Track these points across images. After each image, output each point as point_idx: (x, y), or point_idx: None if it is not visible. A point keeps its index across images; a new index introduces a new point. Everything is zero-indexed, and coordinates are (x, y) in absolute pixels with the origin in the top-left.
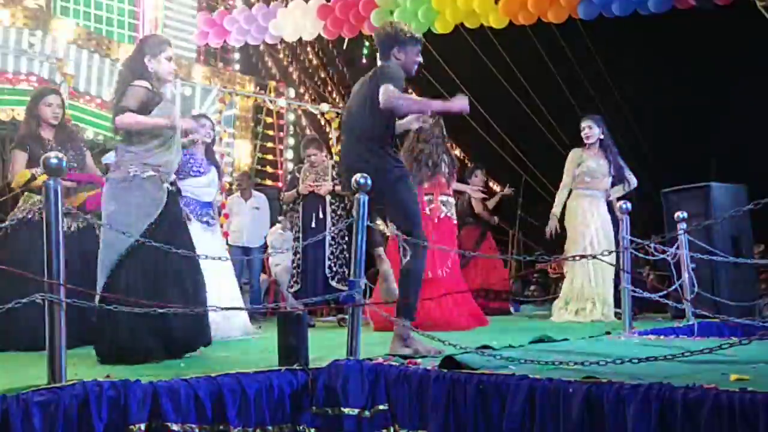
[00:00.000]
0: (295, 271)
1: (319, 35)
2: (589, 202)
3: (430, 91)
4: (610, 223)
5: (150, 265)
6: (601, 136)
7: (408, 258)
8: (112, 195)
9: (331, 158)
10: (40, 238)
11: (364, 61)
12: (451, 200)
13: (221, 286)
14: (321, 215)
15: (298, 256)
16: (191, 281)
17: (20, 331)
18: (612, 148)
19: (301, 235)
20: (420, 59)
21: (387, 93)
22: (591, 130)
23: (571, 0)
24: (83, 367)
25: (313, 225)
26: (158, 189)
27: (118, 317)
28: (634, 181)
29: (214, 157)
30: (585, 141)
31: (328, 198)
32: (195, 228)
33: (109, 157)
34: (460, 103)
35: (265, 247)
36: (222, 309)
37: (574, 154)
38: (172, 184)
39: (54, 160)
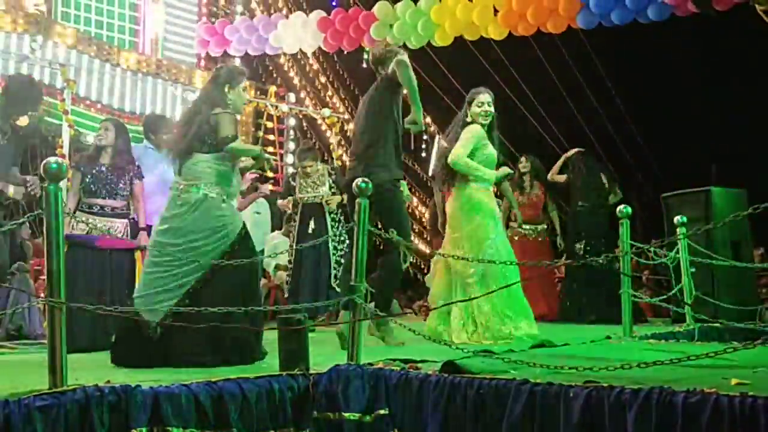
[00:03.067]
0: (287, 277)
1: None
2: (490, 194)
3: (434, 101)
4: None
5: (228, 286)
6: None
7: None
8: (188, 208)
9: (333, 163)
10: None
11: (364, 66)
12: None
13: None
14: (318, 223)
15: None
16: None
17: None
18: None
19: (294, 243)
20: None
21: (401, 64)
22: (490, 107)
23: (570, 10)
24: (84, 372)
25: (310, 231)
26: (232, 211)
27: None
28: None
29: None
30: (482, 120)
31: (326, 207)
32: None
33: None
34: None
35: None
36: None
37: (480, 131)
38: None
39: (54, 166)
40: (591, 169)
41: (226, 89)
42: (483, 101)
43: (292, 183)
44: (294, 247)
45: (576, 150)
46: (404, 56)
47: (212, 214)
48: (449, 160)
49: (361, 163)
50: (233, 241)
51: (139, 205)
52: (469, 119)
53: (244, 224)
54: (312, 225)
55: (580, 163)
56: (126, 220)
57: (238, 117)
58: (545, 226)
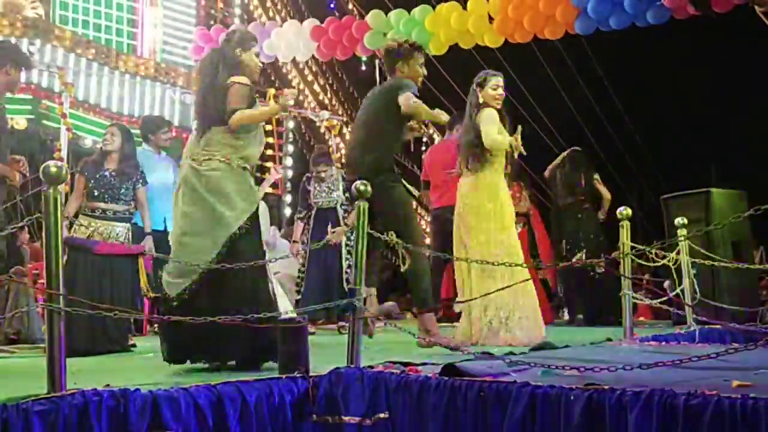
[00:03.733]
0: (298, 279)
1: None
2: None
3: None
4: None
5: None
6: None
7: (409, 261)
8: (208, 180)
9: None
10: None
11: (363, 68)
12: None
13: None
14: (332, 227)
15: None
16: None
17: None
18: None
19: (308, 248)
20: (424, 71)
21: (408, 99)
22: (504, 90)
23: (568, 16)
24: (83, 376)
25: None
26: (251, 182)
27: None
28: None
29: None
30: (495, 104)
31: (340, 210)
32: None
33: None
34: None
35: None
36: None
37: (495, 114)
38: None
39: (53, 169)
40: (575, 168)
41: (238, 51)
42: (498, 84)
43: (307, 187)
44: (307, 253)
45: (572, 148)
46: (409, 92)
47: (233, 181)
48: (488, 144)
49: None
50: (250, 216)
51: (144, 210)
52: (482, 101)
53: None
54: (328, 229)
55: (568, 161)
56: (128, 224)
57: (253, 78)
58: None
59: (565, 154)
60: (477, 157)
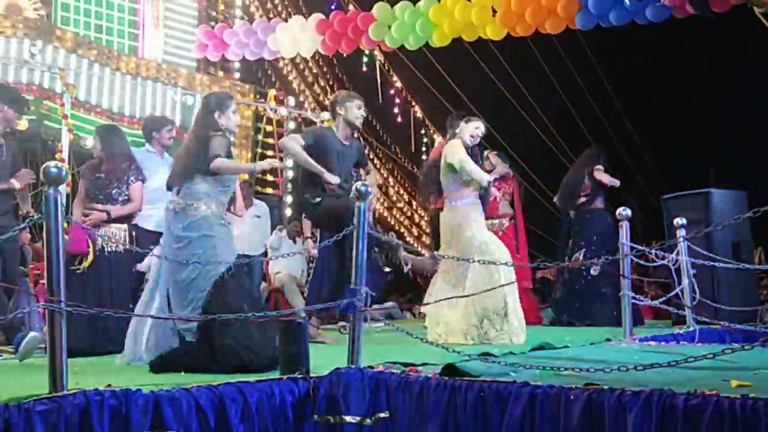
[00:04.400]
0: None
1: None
2: (480, 209)
3: (434, 102)
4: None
5: (235, 300)
6: None
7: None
8: (194, 227)
9: None
10: None
11: (364, 69)
12: None
13: None
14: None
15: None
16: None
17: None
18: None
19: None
20: (359, 112)
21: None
22: (479, 137)
23: (569, 11)
24: (84, 376)
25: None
26: (231, 234)
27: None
28: None
29: None
30: (470, 142)
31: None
32: None
33: None
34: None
35: (265, 255)
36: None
37: (460, 146)
38: None
39: (54, 170)
40: (577, 168)
41: (217, 116)
42: (479, 126)
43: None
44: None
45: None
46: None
47: (213, 233)
48: (455, 164)
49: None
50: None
51: (132, 204)
52: (457, 131)
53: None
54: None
55: (574, 165)
56: (125, 225)
57: (233, 139)
58: (505, 222)
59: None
60: (440, 189)
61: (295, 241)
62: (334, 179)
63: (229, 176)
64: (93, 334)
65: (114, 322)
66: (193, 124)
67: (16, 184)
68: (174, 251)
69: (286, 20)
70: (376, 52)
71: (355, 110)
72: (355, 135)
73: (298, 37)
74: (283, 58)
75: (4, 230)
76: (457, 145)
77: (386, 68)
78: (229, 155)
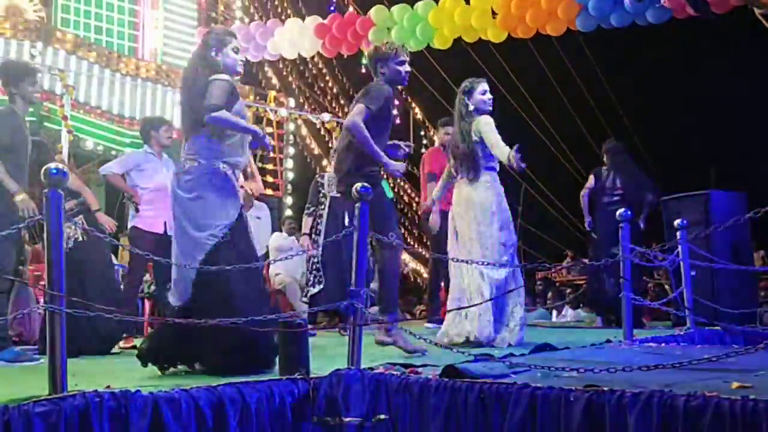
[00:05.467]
0: (315, 273)
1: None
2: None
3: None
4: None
5: (224, 280)
6: None
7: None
8: (189, 187)
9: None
10: None
11: (363, 70)
12: None
13: None
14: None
15: (315, 258)
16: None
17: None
18: None
19: (321, 238)
20: (405, 68)
21: (352, 112)
22: (491, 95)
23: (569, 13)
24: (83, 378)
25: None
26: (236, 187)
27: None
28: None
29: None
30: (486, 107)
31: None
32: None
33: (106, 168)
34: (393, 167)
35: (266, 256)
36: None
37: (491, 121)
38: None
39: (54, 171)
40: (617, 166)
41: (214, 53)
42: (485, 89)
43: (320, 180)
44: (320, 243)
45: (609, 142)
46: (360, 109)
47: (215, 187)
48: (499, 156)
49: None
50: (232, 225)
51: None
52: (471, 108)
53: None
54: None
55: (607, 157)
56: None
57: (237, 78)
58: None
59: (604, 148)
60: (475, 167)
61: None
62: (398, 167)
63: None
64: (82, 334)
65: (102, 321)
66: (191, 62)
67: (18, 197)
68: (176, 217)
69: (284, 22)
70: None
71: (400, 68)
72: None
73: (297, 41)
74: (284, 59)
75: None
76: (490, 124)
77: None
78: (231, 101)
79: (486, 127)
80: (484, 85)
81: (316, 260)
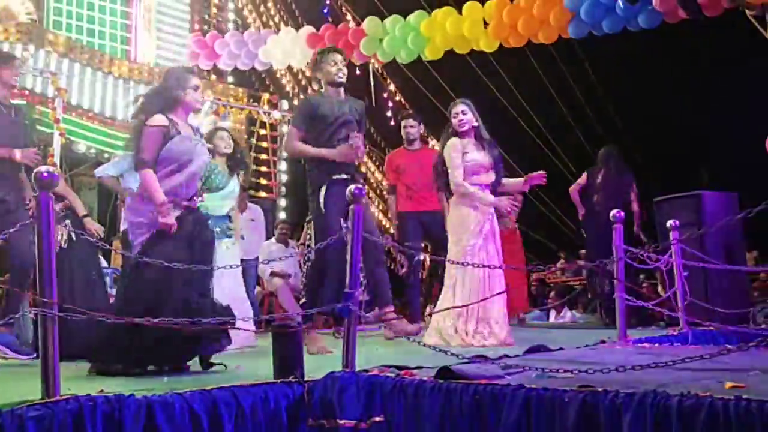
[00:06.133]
0: (304, 280)
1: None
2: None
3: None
4: (496, 227)
5: (150, 280)
6: (475, 123)
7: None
8: (125, 214)
9: None
10: None
11: (357, 72)
12: None
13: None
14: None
15: (310, 263)
16: (197, 299)
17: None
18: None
19: (313, 242)
20: (335, 67)
21: (285, 138)
22: (465, 115)
23: (561, 20)
24: (76, 382)
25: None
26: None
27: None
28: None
29: (236, 166)
30: (458, 128)
31: None
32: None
33: (101, 170)
34: (340, 155)
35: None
36: (213, 324)
37: (453, 143)
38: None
39: (45, 174)
40: (618, 172)
41: (174, 90)
42: (457, 111)
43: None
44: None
45: (607, 148)
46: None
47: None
48: (453, 188)
49: None
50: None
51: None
52: (450, 129)
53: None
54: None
55: (604, 162)
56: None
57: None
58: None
59: (601, 153)
60: (447, 185)
61: (286, 244)
62: (343, 151)
63: (167, 160)
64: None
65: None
66: (144, 99)
67: (17, 153)
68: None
69: (279, 26)
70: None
71: (329, 68)
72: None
73: (289, 50)
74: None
75: (8, 207)
76: (450, 144)
77: (380, 72)
78: (160, 149)
79: (447, 150)
80: (456, 108)
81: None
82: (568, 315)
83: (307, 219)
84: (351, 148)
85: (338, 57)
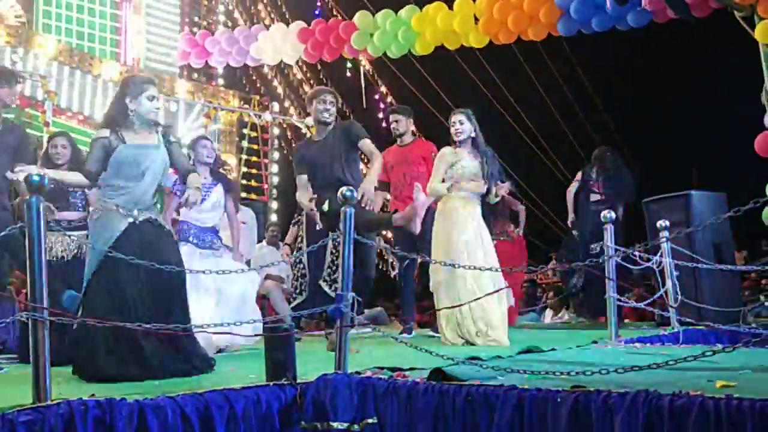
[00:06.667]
0: (299, 281)
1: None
2: (464, 203)
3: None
4: (487, 232)
5: (112, 288)
6: (473, 134)
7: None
8: (88, 228)
9: None
10: None
11: (348, 74)
12: None
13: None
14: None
15: (301, 265)
16: (165, 306)
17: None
18: (487, 151)
19: (304, 245)
20: (322, 106)
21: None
22: (462, 125)
23: (551, 17)
24: (67, 386)
25: (318, 228)
26: (117, 221)
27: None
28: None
29: (219, 175)
30: (455, 138)
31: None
32: (192, 253)
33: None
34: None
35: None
36: (208, 330)
37: (445, 153)
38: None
39: (36, 178)
40: (606, 170)
41: (128, 101)
42: (454, 120)
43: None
44: (305, 249)
45: (600, 149)
46: None
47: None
48: (428, 193)
49: None
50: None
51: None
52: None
53: (130, 232)
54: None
55: (598, 162)
56: (85, 232)
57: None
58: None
59: (594, 154)
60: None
61: (277, 247)
62: (305, 204)
63: (115, 174)
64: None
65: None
66: (107, 109)
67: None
68: None
69: (269, 26)
70: (361, 58)
71: (318, 106)
72: (331, 125)
73: (280, 46)
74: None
75: None
76: (440, 153)
77: (371, 73)
78: (104, 159)
79: (436, 157)
80: (453, 117)
81: (302, 269)
82: (566, 316)
83: (293, 221)
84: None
85: (328, 98)
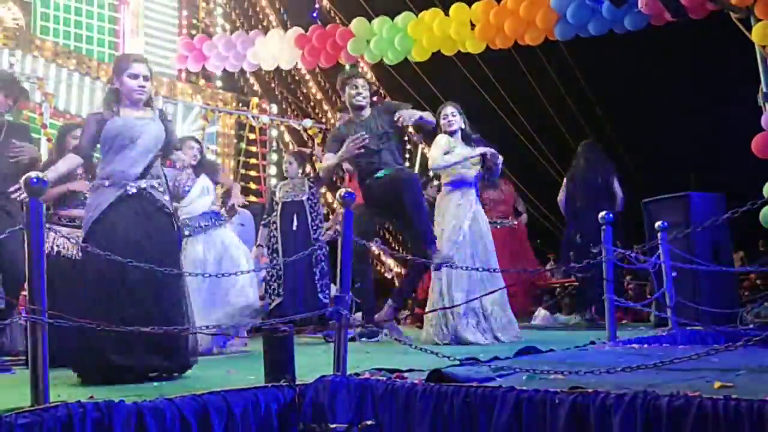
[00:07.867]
0: (275, 283)
1: None
2: (461, 194)
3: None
4: (485, 219)
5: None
6: (462, 126)
7: None
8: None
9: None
10: None
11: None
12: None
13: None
14: (299, 222)
15: (277, 267)
16: (161, 298)
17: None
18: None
19: (280, 246)
20: (354, 91)
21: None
22: (454, 117)
23: (547, 22)
24: (65, 388)
25: (294, 228)
26: (108, 193)
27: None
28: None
29: (199, 169)
30: (446, 128)
31: (306, 205)
32: (199, 242)
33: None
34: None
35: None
36: (202, 330)
37: (442, 139)
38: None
39: (35, 180)
40: (591, 165)
41: (114, 80)
42: (446, 113)
43: (273, 198)
44: (281, 251)
45: (585, 142)
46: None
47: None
48: (430, 167)
49: None
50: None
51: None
52: (439, 131)
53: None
54: (295, 222)
55: (583, 158)
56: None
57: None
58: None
59: (579, 150)
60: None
61: None
62: (343, 152)
63: (109, 144)
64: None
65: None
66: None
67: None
68: None
69: (267, 29)
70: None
71: (350, 91)
72: (366, 107)
73: (277, 51)
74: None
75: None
76: (436, 139)
77: (369, 76)
78: (96, 137)
79: (433, 145)
80: (445, 110)
81: (279, 270)
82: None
83: (264, 222)
84: (352, 141)
85: (359, 81)
